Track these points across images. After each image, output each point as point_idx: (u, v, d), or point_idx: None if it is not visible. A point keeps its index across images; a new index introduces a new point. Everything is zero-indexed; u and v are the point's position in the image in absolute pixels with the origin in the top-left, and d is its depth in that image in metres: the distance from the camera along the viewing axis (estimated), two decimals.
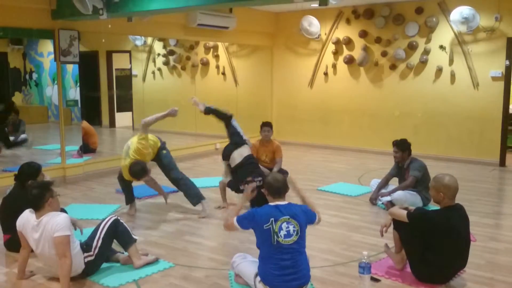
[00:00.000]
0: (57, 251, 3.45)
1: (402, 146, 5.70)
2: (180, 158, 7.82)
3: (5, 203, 4.34)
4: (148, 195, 6.26)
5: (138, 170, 4.98)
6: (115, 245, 4.02)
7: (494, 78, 8.11)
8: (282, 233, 3.25)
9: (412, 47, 8.77)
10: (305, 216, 3.41)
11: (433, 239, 3.54)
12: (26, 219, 3.60)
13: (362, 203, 5.97)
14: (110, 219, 3.92)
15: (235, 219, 3.44)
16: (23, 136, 8.80)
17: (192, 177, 5.94)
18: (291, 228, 3.27)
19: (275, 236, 3.25)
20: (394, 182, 5.91)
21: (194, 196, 5.50)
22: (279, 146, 6.69)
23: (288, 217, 3.31)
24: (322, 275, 3.82)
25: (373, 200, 5.88)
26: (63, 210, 4.03)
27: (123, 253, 4.07)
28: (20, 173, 4.32)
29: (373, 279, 3.65)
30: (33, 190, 3.57)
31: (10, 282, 3.78)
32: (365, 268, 3.39)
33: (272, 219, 3.28)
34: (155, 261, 4.07)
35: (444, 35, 8.49)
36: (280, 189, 3.44)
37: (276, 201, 3.43)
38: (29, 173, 4.30)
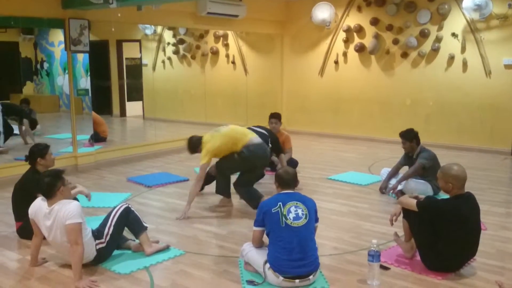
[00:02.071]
0: (69, 239, 3.48)
1: (407, 136, 5.66)
2: None
3: (16, 190, 4.41)
4: (159, 184, 6.31)
5: None
6: (127, 233, 4.06)
7: (507, 66, 8.00)
8: (291, 215, 3.34)
9: (424, 35, 8.67)
10: (314, 207, 3.49)
11: (442, 228, 3.53)
12: (38, 207, 3.64)
13: (372, 192, 5.96)
14: (121, 207, 3.96)
15: (254, 229, 3.54)
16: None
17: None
18: (299, 211, 3.37)
19: (284, 218, 3.33)
20: (404, 172, 5.88)
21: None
22: (288, 136, 6.76)
23: (296, 201, 3.42)
24: (331, 263, 3.83)
25: (383, 189, 5.87)
26: (75, 199, 4.07)
27: (134, 240, 4.11)
28: (30, 153, 4.42)
29: (383, 267, 3.65)
30: (45, 178, 3.60)
31: (23, 268, 3.84)
32: (374, 256, 3.39)
33: (280, 203, 3.39)
34: (166, 248, 4.10)
35: (456, 22, 8.38)
36: (290, 181, 3.56)
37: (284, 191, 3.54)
38: (38, 150, 4.40)
